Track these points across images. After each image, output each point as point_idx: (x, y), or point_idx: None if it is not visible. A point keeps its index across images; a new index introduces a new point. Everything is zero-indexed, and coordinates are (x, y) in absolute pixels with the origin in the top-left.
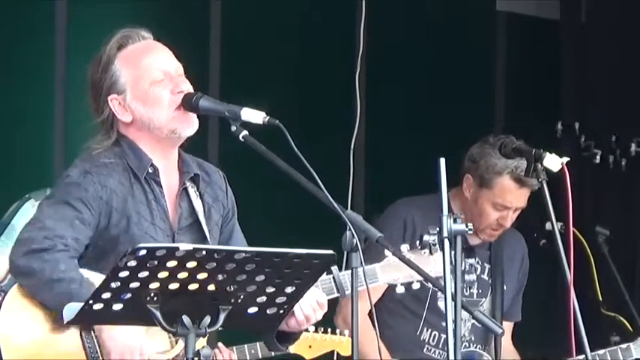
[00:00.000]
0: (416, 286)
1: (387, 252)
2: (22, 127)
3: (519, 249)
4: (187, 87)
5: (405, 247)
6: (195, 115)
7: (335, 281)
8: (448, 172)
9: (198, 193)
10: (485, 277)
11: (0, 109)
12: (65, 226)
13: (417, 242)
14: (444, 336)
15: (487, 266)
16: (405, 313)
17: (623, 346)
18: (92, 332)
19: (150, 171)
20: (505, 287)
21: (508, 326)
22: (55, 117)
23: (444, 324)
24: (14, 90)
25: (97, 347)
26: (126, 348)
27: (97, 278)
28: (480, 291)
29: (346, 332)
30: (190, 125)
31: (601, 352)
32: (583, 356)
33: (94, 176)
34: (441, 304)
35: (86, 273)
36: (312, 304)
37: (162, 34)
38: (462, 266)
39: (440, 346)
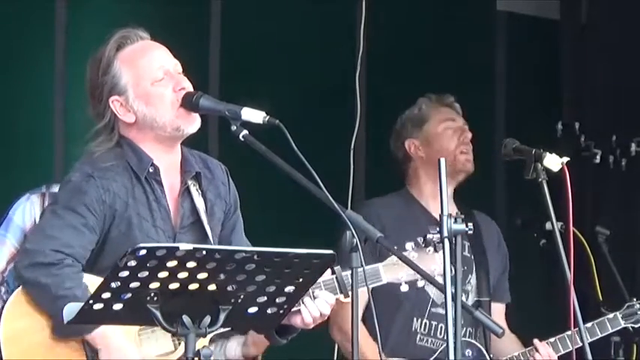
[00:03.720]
0: (421, 283)
1: None
2: (22, 127)
3: (493, 228)
4: (187, 84)
5: (409, 245)
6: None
7: (338, 281)
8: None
9: (200, 191)
10: (466, 253)
11: (0, 108)
12: (71, 233)
13: (421, 240)
14: (434, 323)
15: (466, 243)
16: (391, 304)
17: (610, 315)
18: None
19: (150, 170)
20: (489, 263)
21: (500, 308)
22: (55, 116)
23: (432, 310)
24: (14, 89)
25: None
26: None
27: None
28: (465, 268)
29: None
30: (193, 122)
31: (589, 324)
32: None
33: (97, 180)
34: (427, 287)
35: (87, 277)
36: (321, 307)
37: (163, 34)
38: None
39: (432, 334)
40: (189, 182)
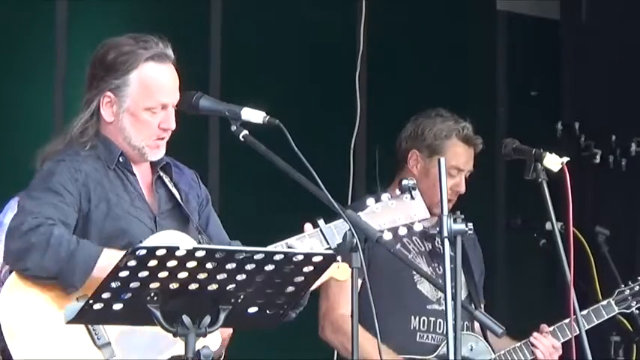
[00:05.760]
0: (402, 231)
1: (368, 201)
2: (21, 127)
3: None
4: (173, 125)
5: (386, 196)
6: (164, 143)
7: (323, 233)
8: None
9: (172, 182)
10: (452, 253)
11: (0, 108)
12: (50, 209)
13: (397, 189)
14: (432, 319)
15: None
16: (387, 305)
17: (604, 302)
18: None
19: (120, 160)
20: (470, 261)
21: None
22: (54, 116)
23: (428, 307)
24: (14, 90)
25: (103, 327)
26: None
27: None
28: (452, 266)
29: (339, 258)
30: (159, 153)
31: (584, 312)
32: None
33: (68, 162)
34: (420, 287)
35: None
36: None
37: (163, 34)
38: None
39: (431, 330)
40: (161, 172)
